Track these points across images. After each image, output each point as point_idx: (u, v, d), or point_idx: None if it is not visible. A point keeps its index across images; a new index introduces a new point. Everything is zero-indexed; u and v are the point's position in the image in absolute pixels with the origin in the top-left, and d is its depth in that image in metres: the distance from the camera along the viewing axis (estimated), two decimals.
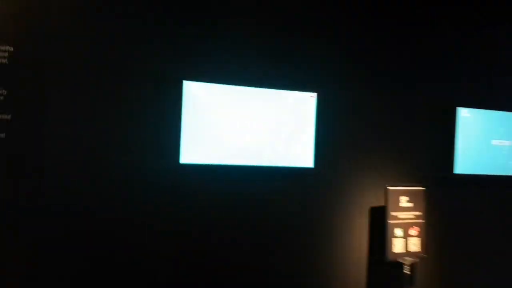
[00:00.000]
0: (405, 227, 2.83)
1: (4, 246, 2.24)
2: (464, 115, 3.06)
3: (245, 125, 2.59)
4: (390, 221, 2.78)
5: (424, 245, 2.85)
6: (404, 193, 2.85)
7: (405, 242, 2.80)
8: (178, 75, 2.49)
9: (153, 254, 2.49)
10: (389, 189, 2.80)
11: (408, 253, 2.80)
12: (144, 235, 2.48)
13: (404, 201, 2.84)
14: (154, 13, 2.51)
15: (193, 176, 2.55)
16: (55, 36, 2.31)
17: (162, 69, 2.51)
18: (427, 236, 2.90)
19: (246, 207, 2.69)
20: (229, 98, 2.56)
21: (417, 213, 2.87)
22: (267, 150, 2.64)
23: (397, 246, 2.77)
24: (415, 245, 2.83)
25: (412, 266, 2.84)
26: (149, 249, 2.49)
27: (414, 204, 2.86)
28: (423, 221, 2.87)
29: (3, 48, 2.21)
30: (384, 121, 3.01)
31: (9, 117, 2.23)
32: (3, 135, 2.22)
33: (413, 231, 2.85)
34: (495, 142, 3.15)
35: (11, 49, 2.23)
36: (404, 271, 2.78)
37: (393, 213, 2.80)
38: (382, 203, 2.86)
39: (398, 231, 2.80)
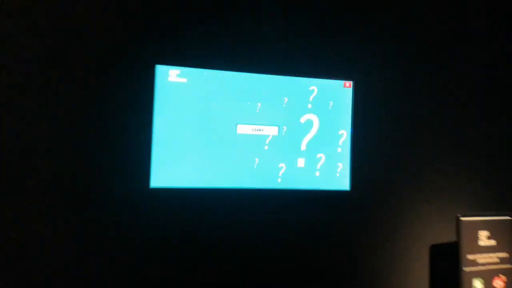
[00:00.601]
0: (487, 276, 1.93)
1: None
2: None
3: (247, 129, 1.76)
4: (466, 269, 1.88)
5: None
6: (485, 225, 1.95)
7: None
8: (148, 57, 1.69)
9: None
10: (463, 220, 1.90)
11: None
12: None
13: (484, 238, 1.94)
14: None
15: (168, 207, 1.72)
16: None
17: (125, 48, 1.71)
18: None
19: (252, 248, 1.84)
20: (225, 91, 1.74)
21: (503, 254, 1.97)
22: (281, 166, 1.79)
23: None
24: None
25: None
26: None
27: (498, 242, 1.97)
28: None
29: None
30: (451, 124, 2.15)
31: None
32: None
33: (499, 281, 1.94)
34: None
35: None
36: None
37: (470, 257, 1.90)
38: (447, 239, 2.03)
39: (477, 283, 1.90)
